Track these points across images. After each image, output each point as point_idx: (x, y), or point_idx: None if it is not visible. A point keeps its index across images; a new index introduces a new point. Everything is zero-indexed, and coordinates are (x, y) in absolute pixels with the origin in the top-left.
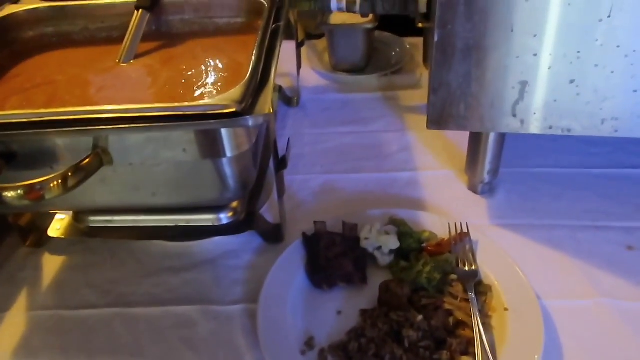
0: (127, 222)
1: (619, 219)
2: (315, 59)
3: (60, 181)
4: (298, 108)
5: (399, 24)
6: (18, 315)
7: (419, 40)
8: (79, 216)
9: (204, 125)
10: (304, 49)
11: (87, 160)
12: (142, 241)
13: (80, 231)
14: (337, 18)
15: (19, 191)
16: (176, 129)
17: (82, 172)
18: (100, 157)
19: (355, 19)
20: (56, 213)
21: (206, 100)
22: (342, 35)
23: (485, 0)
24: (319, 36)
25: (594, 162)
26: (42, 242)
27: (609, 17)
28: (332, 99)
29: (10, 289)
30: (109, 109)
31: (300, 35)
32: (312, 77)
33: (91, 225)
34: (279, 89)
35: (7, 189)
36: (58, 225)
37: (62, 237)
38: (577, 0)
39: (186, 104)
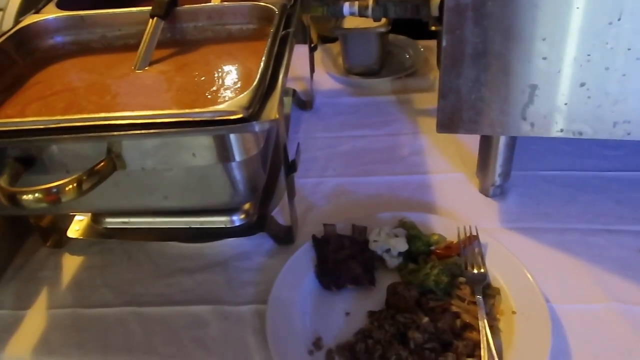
0: (142, 224)
1: (632, 223)
2: (329, 63)
3: (75, 185)
4: (312, 111)
5: (414, 26)
6: (38, 313)
7: (432, 43)
8: (96, 218)
9: (212, 131)
10: (318, 53)
11: (101, 164)
12: (157, 242)
13: (98, 232)
14: (351, 22)
15: (37, 194)
16: (185, 135)
17: (96, 176)
18: (113, 162)
19: (368, 23)
20: (75, 215)
21: (214, 107)
22: (356, 39)
23: (493, 5)
24: (334, 39)
25: (608, 165)
26: (62, 242)
27: (619, 20)
28: (345, 102)
29: (31, 288)
30: (121, 115)
31: (314, 39)
32: (326, 80)
33: (108, 226)
34: (293, 93)
35: (25, 192)
36: (77, 227)
37: (81, 237)
38: (586, 4)
39: (195, 110)
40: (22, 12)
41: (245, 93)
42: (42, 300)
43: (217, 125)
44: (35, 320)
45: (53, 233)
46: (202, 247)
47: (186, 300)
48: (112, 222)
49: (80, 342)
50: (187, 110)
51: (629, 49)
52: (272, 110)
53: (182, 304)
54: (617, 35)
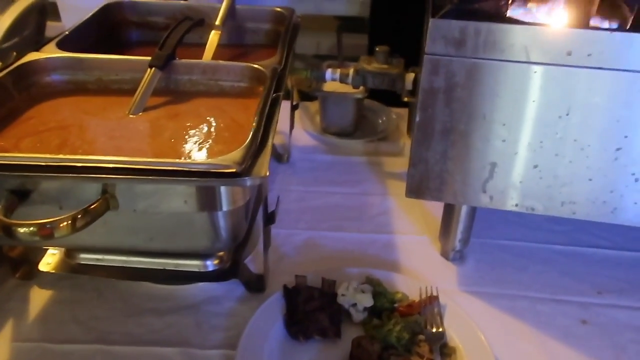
0: (116, 262)
1: (576, 294)
2: (307, 121)
3: (70, 222)
4: (287, 165)
5: (387, 94)
6: (2, 345)
7: (404, 111)
8: (70, 253)
9: (207, 182)
10: (297, 111)
11: (96, 204)
12: (129, 281)
13: (70, 267)
14: (330, 86)
15: (32, 228)
16: (181, 184)
17: (90, 215)
18: (107, 202)
19: (346, 87)
20: (48, 248)
21: (210, 159)
22: (334, 101)
23: (462, 90)
24: (310, 96)
25: (556, 239)
26: (32, 275)
27: (567, 115)
28: (320, 159)
29: None
30: (120, 159)
31: (295, 98)
32: (303, 137)
33: (81, 262)
34: None
35: (21, 225)
36: (50, 260)
37: (53, 271)
38: (540, 99)
39: (191, 161)
40: (8, 37)
41: (239, 149)
42: (6, 333)
43: (212, 177)
44: None
45: (23, 264)
46: (173, 289)
47: (155, 341)
48: (85, 257)
49: None
50: (184, 161)
51: (575, 140)
52: (262, 168)
53: (150, 344)
54: (566, 128)
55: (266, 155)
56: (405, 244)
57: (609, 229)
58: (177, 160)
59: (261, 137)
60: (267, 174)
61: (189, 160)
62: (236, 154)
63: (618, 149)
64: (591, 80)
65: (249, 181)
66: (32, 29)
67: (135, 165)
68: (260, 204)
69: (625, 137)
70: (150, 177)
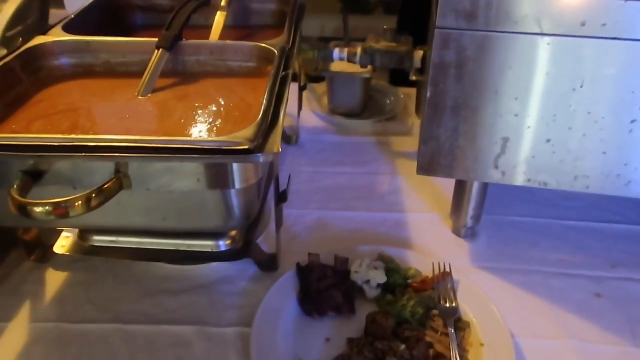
0: (129, 244)
1: (589, 269)
2: (314, 102)
3: (84, 201)
4: (296, 146)
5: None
6: (20, 326)
7: (412, 91)
8: (84, 235)
9: (220, 159)
10: (304, 92)
11: (109, 183)
12: (143, 262)
13: (84, 249)
14: (337, 66)
15: (47, 207)
16: (193, 161)
17: (104, 194)
18: (121, 181)
19: (354, 67)
20: (62, 230)
21: (222, 137)
22: (341, 82)
23: (473, 64)
24: (317, 78)
25: (568, 214)
26: (47, 257)
27: (581, 87)
28: (328, 140)
29: (13, 301)
30: (133, 138)
31: (303, 79)
32: (311, 118)
33: (95, 244)
34: None
35: (36, 205)
36: (63, 242)
37: (67, 254)
38: (553, 71)
39: (203, 138)
40: (12, 25)
41: (250, 126)
42: (24, 314)
43: (224, 154)
44: (16, 333)
45: (37, 247)
46: (187, 269)
47: (170, 320)
48: (99, 239)
49: (62, 357)
50: (196, 138)
51: (588, 113)
52: (274, 144)
53: (166, 323)
54: (579, 100)
55: (277, 132)
56: (416, 222)
57: (622, 204)
58: (189, 138)
59: (272, 115)
60: (279, 150)
61: (200, 138)
62: (248, 131)
63: (633, 121)
64: (606, 51)
65: (261, 157)
66: (35, 15)
67: (148, 143)
68: (271, 184)
69: None
70: (163, 155)
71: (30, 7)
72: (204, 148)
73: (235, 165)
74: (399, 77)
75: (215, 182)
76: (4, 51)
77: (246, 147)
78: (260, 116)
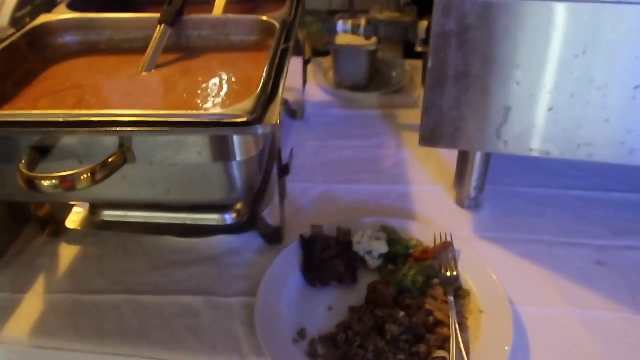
0: (139, 218)
1: (592, 237)
2: (320, 76)
3: (89, 174)
4: (302, 121)
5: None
6: (36, 297)
7: (418, 63)
8: (94, 210)
9: (219, 131)
10: (310, 66)
11: (114, 157)
12: (152, 236)
13: (95, 224)
14: (343, 39)
15: (54, 181)
16: (194, 134)
17: (108, 168)
18: (125, 155)
19: (359, 40)
20: (74, 206)
21: (222, 110)
22: (347, 55)
23: (474, 33)
24: (325, 53)
25: (572, 184)
26: (60, 232)
27: (583, 53)
28: (334, 114)
29: (28, 274)
30: (136, 113)
31: (308, 53)
32: (316, 92)
33: (105, 219)
34: (285, 102)
35: (44, 178)
36: (75, 218)
37: (78, 228)
38: (555, 38)
39: (204, 112)
40: (21, 6)
41: (249, 99)
42: (39, 286)
43: (223, 126)
44: (32, 304)
45: (50, 223)
46: (194, 242)
47: (179, 290)
48: (109, 214)
49: (76, 326)
50: (196, 112)
51: (591, 80)
52: (273, 116)
53: (175, 293)
54: (582, 67)
55: (277, 104)
56: (420, 194)
57: (626, 173)
58: (190, 112)
59: (272, 88)
60: (278, 122)
61: (201, 112)
62: (247, 104)
63: (636, 87)
64: (608, 16)
65: (260, 129)
66: None
67: (149, 117)
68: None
69: None
70: (163, 129)
71: None
72: (204, 121)
73: (235, 138)
74: (411, 50)
75: (217, 155)
76: (13, 31)
77: (245, 119)
78: (259, 89)
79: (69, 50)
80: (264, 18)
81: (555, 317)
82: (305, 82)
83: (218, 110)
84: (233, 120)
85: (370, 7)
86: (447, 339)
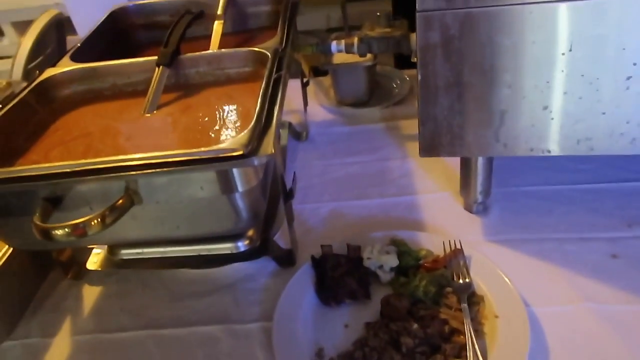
0: (155, 254)
1: (605, 230)
2: (321, 95)
3: (99, 219)
4: (307, 142)
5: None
6: (63, 340)
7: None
8: (113, 250)
9: (218, 166)
10: (311, 86)
11: (121, 200)
12: (169, 270)
13: (114, 263)
14: (339, 58)
15: (66, 229)
16: (193, 171)
17: (117, 211)
18: (131, 198)
19: (356, 57)
20: (93, 248)
21: (218, 145)
22: (345, 73)
23: (459, 42)
24: (325, 72)
25: (581, 178)
26: (82, 274)
27: (570, 50)
28: (338, 131)
29: (55, 317)
30: (136, 157)
31: (307, 74)
32: (319, 111)
33: (124, 257)
34: (289, 125)
35: (56, 228)
36: (95, 259)
37: (99, 269)
38: (540, 39)
39: (201, 149)
40: (32, 58)
41: (244, 132)
42: (66, 328)
43: (221, 161)
44: (61, 346)
45: (73, 266)
46: (210, 272)
47: (198, 320)
48: (127, 253)
49: None
50: (194, 150)
51: (582, 75)
52: (268, 146)
53: (195, 324)
54: (570, 64)
55: (271, 134)
56: (428, 203)
57: (635, 161)
58: (187, 150)
59: (266, 117)
60: (273, 151)
61: (197, 149)
62: (242, 137)
63: (629, 78)
64: (589, 11)
65: (256, 160)
66: (53, 45)
67: (150, 160)
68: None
69: (634, 64)
70: (164, 170)
71: (48, 38)
72: (203, 158)
73: (235, 170)
74: (402, 61)
75: (219, 188)
76: (24, 84)
77: (241, 152)
78: (253, 121)
79: (75, 99)
80: (256, 49)
81: (572, 314)
82: (306, 103)
83: (214, 146)
84: (229, 155)
85: (365, 22)
86: (463, 347)
